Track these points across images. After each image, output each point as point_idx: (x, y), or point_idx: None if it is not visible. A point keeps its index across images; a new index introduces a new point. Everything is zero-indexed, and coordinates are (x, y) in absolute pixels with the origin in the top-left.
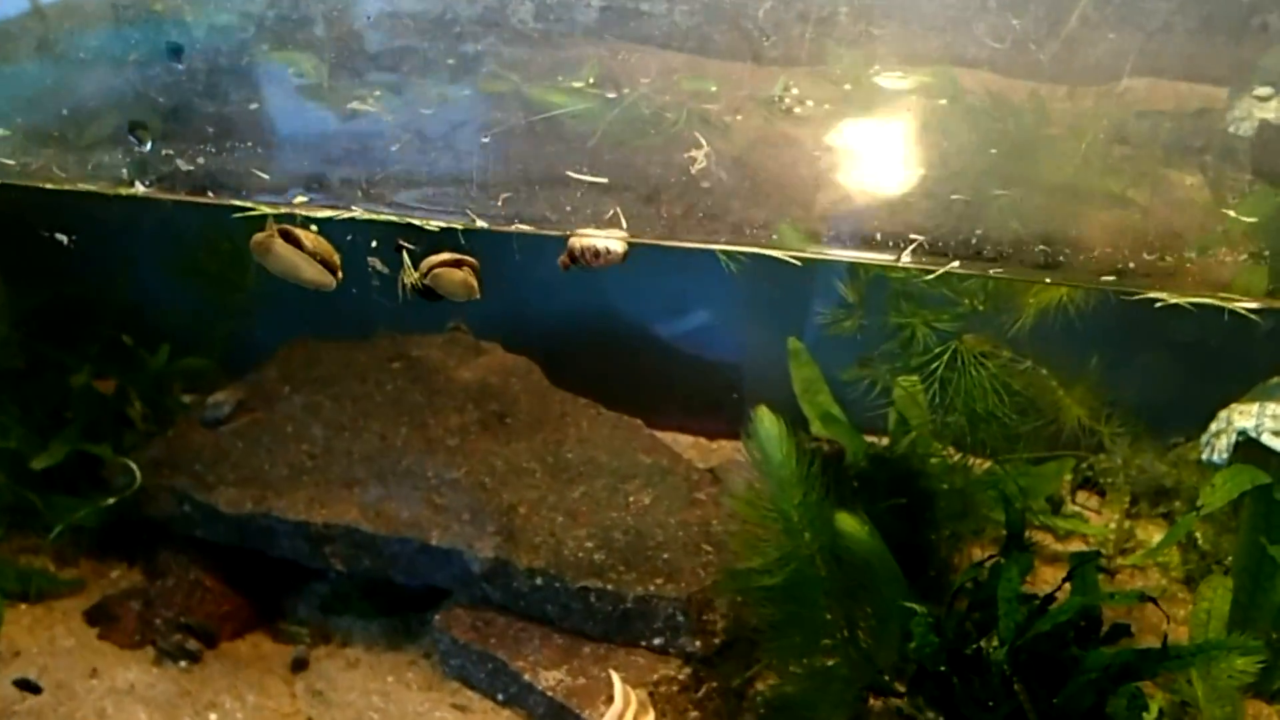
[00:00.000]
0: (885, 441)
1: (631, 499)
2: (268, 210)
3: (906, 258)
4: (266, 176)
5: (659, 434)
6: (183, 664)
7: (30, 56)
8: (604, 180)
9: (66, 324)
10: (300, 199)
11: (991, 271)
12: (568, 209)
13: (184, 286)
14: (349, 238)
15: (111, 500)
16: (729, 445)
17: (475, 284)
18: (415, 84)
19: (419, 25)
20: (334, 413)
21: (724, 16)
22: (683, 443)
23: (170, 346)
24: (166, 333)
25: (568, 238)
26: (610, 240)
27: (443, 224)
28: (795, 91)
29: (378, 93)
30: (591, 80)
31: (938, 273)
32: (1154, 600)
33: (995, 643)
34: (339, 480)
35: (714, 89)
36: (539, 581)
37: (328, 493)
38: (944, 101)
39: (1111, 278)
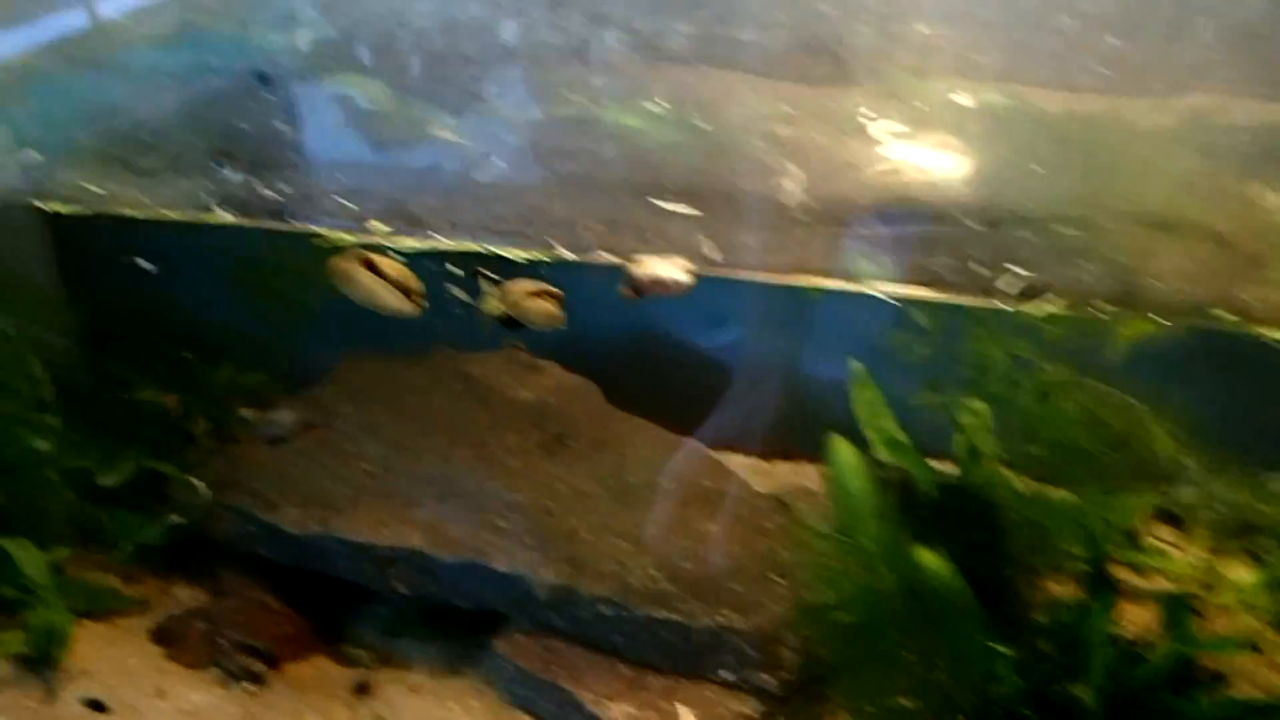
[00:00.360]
0: (951, 469)
1: (696, 527)
2: (348, 238)
3: (1007, 288)
4: (347, 203)
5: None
6: (247, 686)
7: (92, 73)
8: (693, 211)
9: (130, 340)
10: (379, 226)
11: (1091, 309)
12: (653, 238)
13: (243, 302)
14: (424, 264)
15: (181, 519)
16: (786, 468)
17: (559, 313)
18: (494, 110)
19: (498, 50)
20: (394, 431)
21: (802, 40)
22: (737, 464)
23: (231, 363)
24: (226, 349)
25: (627, 266)
26: (675, 270)
27: (525, 254)
28: (873, 114)
29: (452, 119)
30: (672, 105)
31: (1028, 309)
32: (1257, 649)
33: (1082, 687)
34: (401, 501)
35: (796, 112)
36: (605, 610)
37: (390, 513)
38: (1018, 120)
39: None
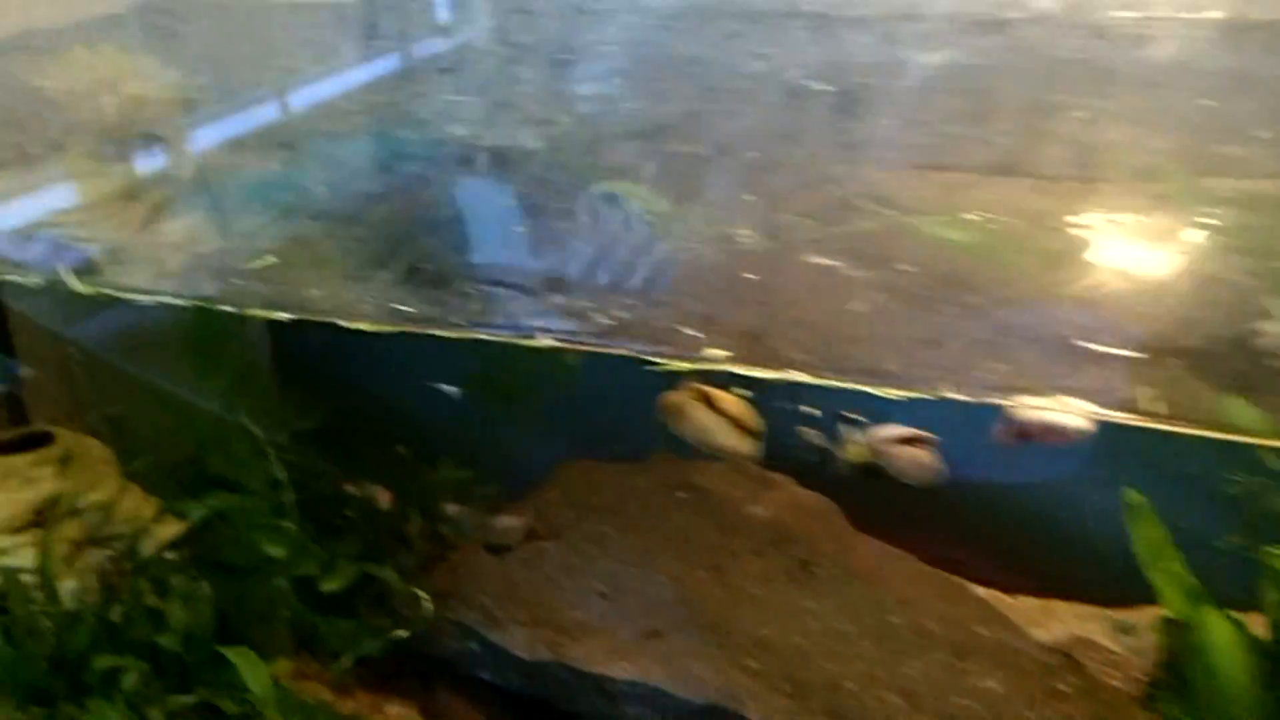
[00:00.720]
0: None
1: (976, 683)
2: (684, 366)
3: None
4: (688, 330)
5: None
6: None
7: (299, 165)
8: (1133, 352)
9: (343, 438)
10: (716, 353)
11: None
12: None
13: (461, 403)
14: (748, 393)
15: (404, 633)
16: (1064, 608)
17: (934, 463)
18: (795, 223)
19: (775, 149)
20: (622, 546)
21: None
22: (1003, 604)
23: (447, 461)
24: (442, 447)
25: (1010, 408)
26: (1074, 419)
27: (899, 392)
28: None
29: (747, 230)
30: (974, 214)
31: None
32: None
33: None
34: (637, 628)
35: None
36: None
37: (626, 642)
38: None
39: None
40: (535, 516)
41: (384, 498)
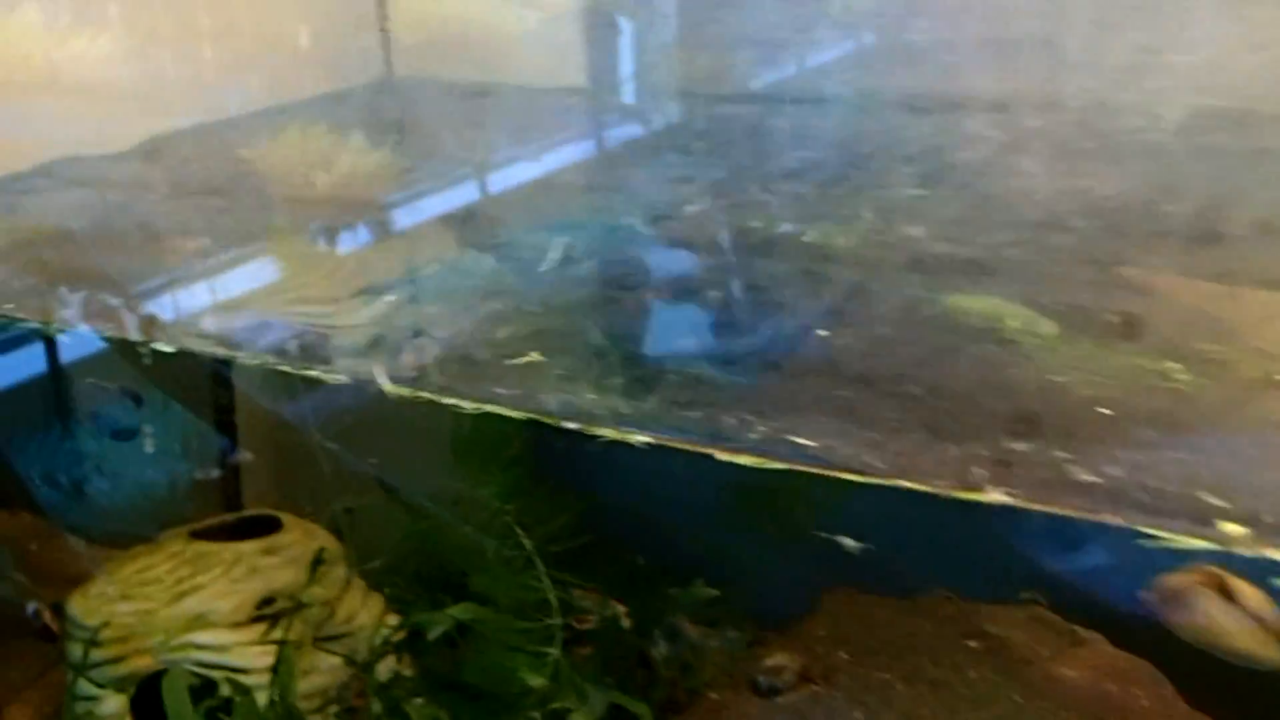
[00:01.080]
0: None
1: None
2: (1193, 543)
3: None
4: (1209, 498)
5: None
6: None
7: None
8: None
9: (585, 553)
10: (1234, 530)
11: None
12: None
13: (717, 523)
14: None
15: None
16: None
17: None
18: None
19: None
20: (910, 702)
21: None
22: None
23: (698, 581)
24: (692, 567)
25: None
26: None
27: None
28: None
29: (1175, 365)
30: None
31: None
32: None
33: None
34: None
35: None
36: None
37: None
38: None
39: None
40: (801, 653)
41: (622, 610)
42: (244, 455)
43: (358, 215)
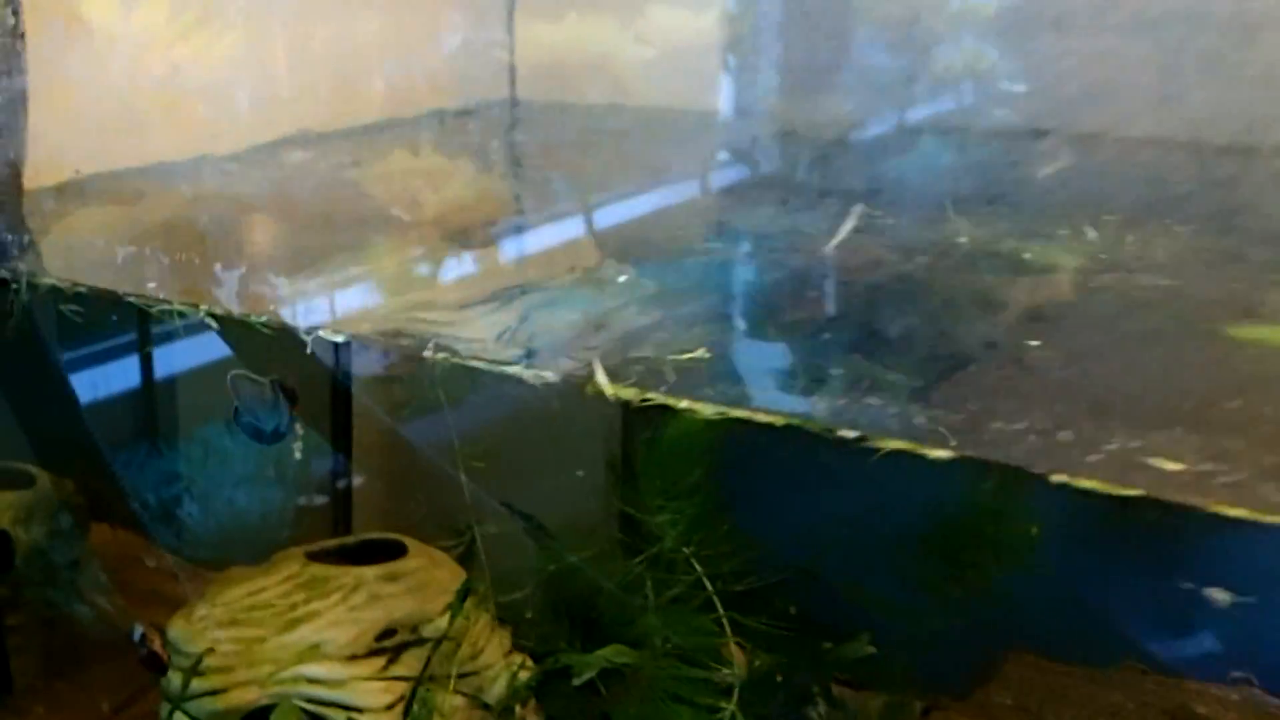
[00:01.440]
0: None
1: None
2: None
3: None
4: None
5: None
6: None
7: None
8: None
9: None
10: None
11: None
12: None
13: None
14: None
15: None
16: None
17: None
18: None
19: None
20: None
21: None
22: None
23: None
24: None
25: None
26: None
27: None
28: None
29: None
30: None
31: None
32: None
33: None
34: None
35: None
36: None
37: None
38: None
39: None
40: None
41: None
42: (357, 478)
43: (458, 234)
